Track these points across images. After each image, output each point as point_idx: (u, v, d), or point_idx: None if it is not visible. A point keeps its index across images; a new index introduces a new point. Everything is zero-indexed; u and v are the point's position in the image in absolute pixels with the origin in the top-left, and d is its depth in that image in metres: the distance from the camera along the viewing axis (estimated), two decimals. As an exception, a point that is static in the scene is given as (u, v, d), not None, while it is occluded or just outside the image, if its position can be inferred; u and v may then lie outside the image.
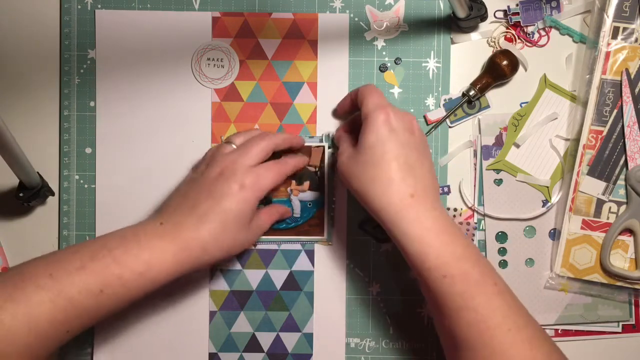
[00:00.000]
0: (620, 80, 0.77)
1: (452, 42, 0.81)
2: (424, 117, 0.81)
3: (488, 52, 0.81)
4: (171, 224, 0.70)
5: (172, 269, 0.68)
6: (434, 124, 0.80)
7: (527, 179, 0.80)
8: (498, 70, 0.79)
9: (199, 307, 0.81)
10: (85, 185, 0.81)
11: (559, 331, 0.81)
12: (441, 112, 0.80)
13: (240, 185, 0.71)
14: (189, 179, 0.75)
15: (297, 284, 0.81)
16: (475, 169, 0.81)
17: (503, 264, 0.81)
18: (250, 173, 0.72)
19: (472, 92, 0.79)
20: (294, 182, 0.80)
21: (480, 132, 0.81)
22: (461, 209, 0.81)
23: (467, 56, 0.81)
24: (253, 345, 0.81)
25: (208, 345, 0.81)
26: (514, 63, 0.79)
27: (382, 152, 0.69)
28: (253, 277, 0.81)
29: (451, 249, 0.67)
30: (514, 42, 0.81)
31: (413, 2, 0.80)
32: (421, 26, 0.80)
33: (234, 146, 0.75)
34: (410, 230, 0.67)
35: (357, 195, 0.71)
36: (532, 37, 0.81)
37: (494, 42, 0.81)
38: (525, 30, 0.81)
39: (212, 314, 0.81)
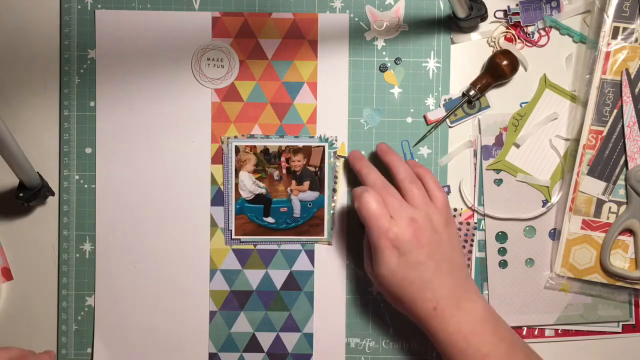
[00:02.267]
0: (620, 80, 0.77)
1: (452, 42, 0.81)
2: (424, 116, 0.81)
3: (488, 52, 0.81)
4: None
5: None
6: (434, 124, 0.80)
7: (527, 179, 0.80)
8: (498, 70, 0.79)
9: (199, 307, 0.81)
10: (85, 185, 0.81)
11: (559, 331, 0.81)
12: (441, 112, 0.80)
13: None
14: None
15: (297, 284, 0.81)
16: (475, 169, 0.81)
17: (503, 264, 0.81)
18: None
19: (472, 92, 0.79)
20: (294, 182, 0.80)
21: (480, 132, 0.81)
22: (461, 209, 0.81)
23: (467, 56, 0.81)
24: (253, 345, 0.81)
25: (208, 345, 0.81)
26: (514, 63, 0.79)
27: (397, 281, 0.72)
28: (253, 277, 0.81)
29: (475, 349, 0.70)
30: (514, 42, 0.81)
31: (413, 2, 0.80)
32: (421, 26, 0.80)
33: None
34: (437, 336, 0.72)
35: None
36: (532, 37, 0.81)
37: (494, 42, 0.81)
38: (525, 30, 0.81)
39: (212, 314, 0.81)
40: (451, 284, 0.72)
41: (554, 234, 0.80)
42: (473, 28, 0.80)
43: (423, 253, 0.71)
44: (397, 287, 0.72)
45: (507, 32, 0.81)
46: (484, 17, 0.79)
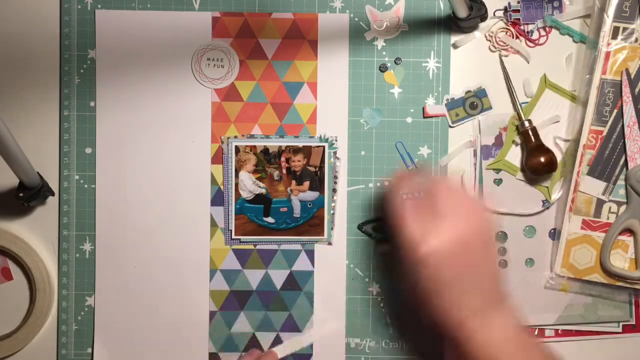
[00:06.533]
0: (620, 80, 0.77)
1: (454, 47, 0.80)
2: (423, 108, 0.80)
3: (488, 52, 0.80)
4: None
5: None
6: (431, 116, 0.80)
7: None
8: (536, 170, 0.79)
9: (199, 307, 0.81)
10: (85, 185, 0.81)
11: (559, 331, 0.81)
12: (442, 109, 0.80)
13: None
14: None
15: (297, 284, 0.81)
16: (475, 168, 0.81)
17: (503, 264, 0.80)
18: None
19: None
20: (294, 182, 0.80)
21: (480, 132, 0.81)
22: (461, 209, 0.81)
23: (468, 56, 0.81)
24: (253, 345, 0.81)
25: (208, 345, 0.81)
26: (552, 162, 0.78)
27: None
28: (253, 277, 0.81)
29: None
30: (513, 38, 0.80)
31: (413, 2, 0.80)
32: (421, 26, 0.80)
33: None
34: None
35: None
36: (531, 35, 0.81)
37: (492, 37, 0.80)
38: (524, 28, 0.80)
39: (212, 314, 0.81)
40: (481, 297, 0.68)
41: (554, 234, 0.80)
42: (473, 28, 0.80)
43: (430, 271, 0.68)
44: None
45: (506, 29, 0.80)
46: (484, 17, 0.79)
